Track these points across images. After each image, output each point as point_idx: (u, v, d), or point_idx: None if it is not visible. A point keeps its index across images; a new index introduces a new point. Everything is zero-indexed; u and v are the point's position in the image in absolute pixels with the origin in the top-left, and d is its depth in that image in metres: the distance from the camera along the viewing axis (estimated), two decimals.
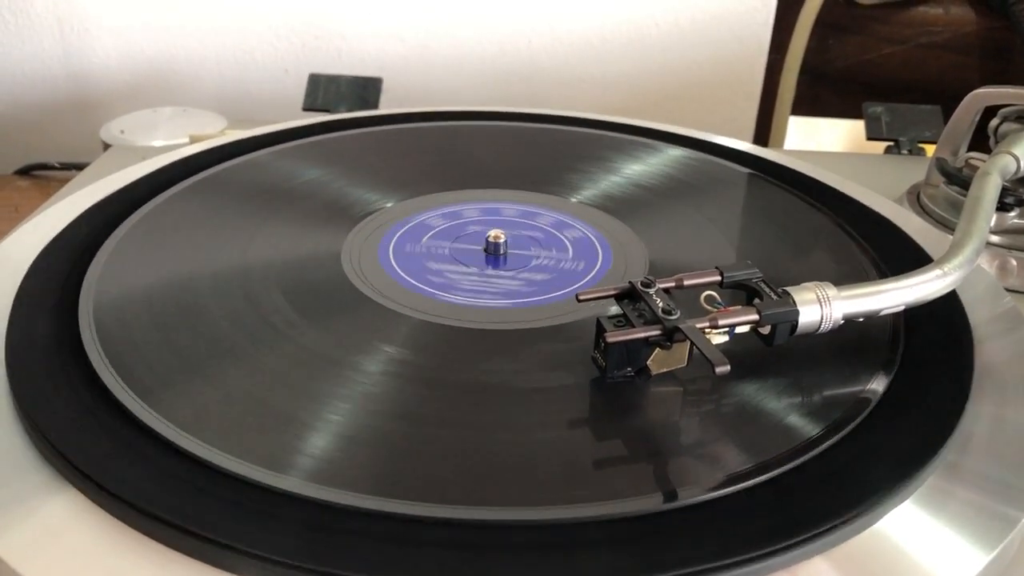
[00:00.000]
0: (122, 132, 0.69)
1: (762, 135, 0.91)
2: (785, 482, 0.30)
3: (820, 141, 0.97)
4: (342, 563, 0.26)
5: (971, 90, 0.55)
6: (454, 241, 0.45)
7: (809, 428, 0.32)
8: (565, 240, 0.45)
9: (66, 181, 0.61)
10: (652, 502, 0.29)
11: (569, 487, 0.30)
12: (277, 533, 0.27)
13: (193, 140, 0.64)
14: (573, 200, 0.50)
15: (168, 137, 0.68)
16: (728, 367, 0.30)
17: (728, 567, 0.26)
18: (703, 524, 0.28)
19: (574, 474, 0.30)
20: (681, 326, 0.32)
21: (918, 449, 0.31)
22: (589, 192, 0.51)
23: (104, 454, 0.30)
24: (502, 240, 0.43)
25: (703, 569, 0.26)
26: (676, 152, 0.56)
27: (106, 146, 0.68)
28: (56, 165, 0.84)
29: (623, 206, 0.49)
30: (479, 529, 0.28)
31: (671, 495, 0.29)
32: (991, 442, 0.33)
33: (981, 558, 0.28)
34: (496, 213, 0.48)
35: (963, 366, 0.35)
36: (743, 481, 0.29)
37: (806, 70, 0.87)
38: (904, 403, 0.34)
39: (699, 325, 0.32)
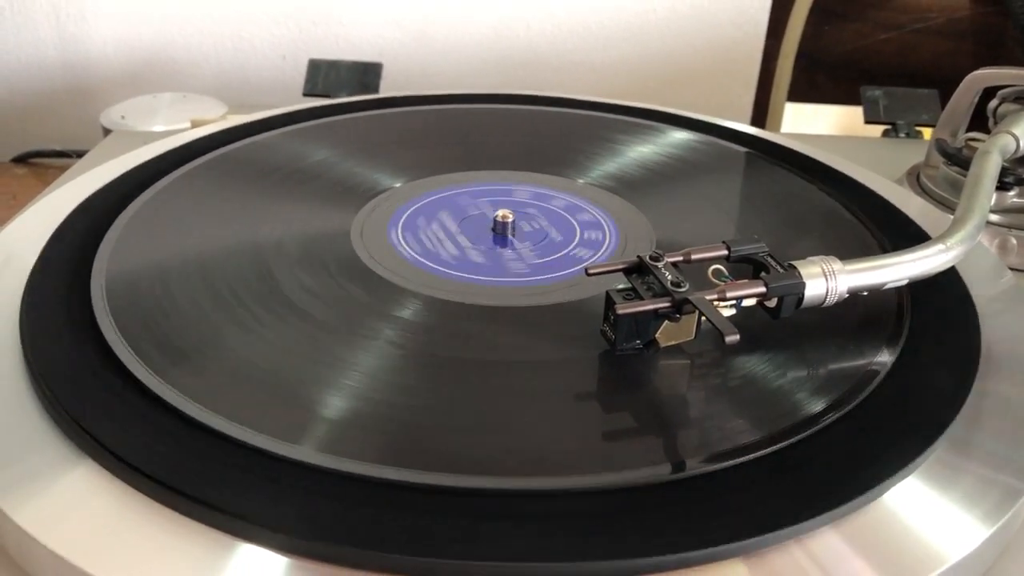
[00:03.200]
0: (123, 117, 0.69)
1: (759, 121, 0.92)
2: (794, 455, 0.30)
3: (815, 127, 0.97)
4: (354, 532, 0.26)
5: (965, 75, 0.55)
6: (462, 221, 0.45)
7: (816, 402, 0.32)
8: (572, 219, 0.46)
9: (63, 168, 0.61)
10: (661, 473, 0.29)
11: (579, 459, 0.30)
12: (292, 503, 0.27)
13: (195, 125, 0.64)
14: (580, 181, 0.50)
15: (169, 122, 0.68)
16: (737, 336, 0.31)
17: (736, 537, 0.27)
18: (713, 496, 0.28)
19: (584, 446, 0.31)
20: (690, 297, 0.32)
21: (925, 424, 0.31)
22: (596, 173, 0.51)
23: (121, 427, 0.30)
24: (510, 220, 0.44)
25: (710, 540, 0.26)
26: (681, 134, 0.56)
27: (106, 132, 0.68)
28: (55, 150, 0.83)
29: (630, 187, 0.49)
30: (488, 498, 0.28)
31: (680, 467, 0.30)
32: (996, 418, 0.33)
33: (984, 531, 0.28)
34: (503, 194, 0.48)
35: (969, 342, 0.36)
36: (750, 454, 0.30)
37: (802, 56, 0.87)
38: (911, 378, 0.34)
39: (708, 297, 0.33)
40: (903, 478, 0.30)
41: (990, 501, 0.29)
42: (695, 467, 0.29)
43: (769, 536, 0.27)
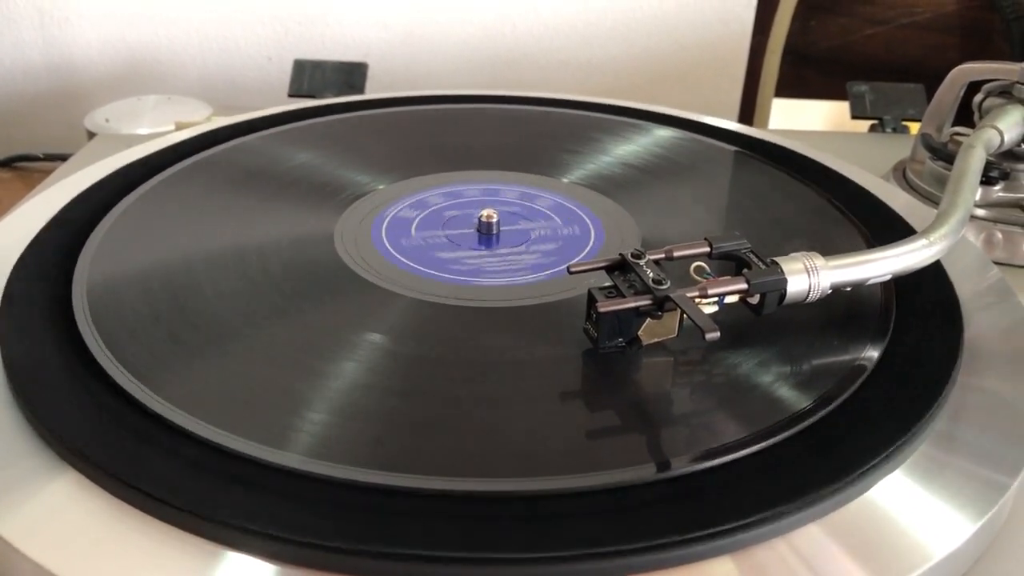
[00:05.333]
0: (107, 120, 0.68)
1: (746, 117, 0.92)
2: (778, 451, 0.30)
3: (803, 123, 0.98)
4: (339, 537, 0.26)
5: (952, 70, 0.55)
6: (446, 221, 0.45)
7: (801, 398, 0.32)
8: (557, 219, 0.46)
9: (48, 172, 0.60)
10: (646, 472, 0.29)
11: (563, 459, 0.30)
12: (279, 509, 0.27)
13: (179, 127, 0.63)
14: (564, 180, 0.50)
15: (154, 125, 0.67)
16: (718, 333, 0.31)
17: (723, 534, 0.27)
18: (699, 493, 0.28)
19: (568, 446, 0.31)
20: (671, 295, 0.32)
21: (909, 419, 0.31)
22: (580, 172, 0.51)
23: (103, 435, 0.30)
24: (494, 220, 0.44)
25: (697, 536, 0.26)
26: (666, 132, 0.56)
27: (91, 135, 0.67)
28: (40, 156, 0.83)
29: (616, 186, 0.49)
30: (474, 501, 0.28)
31: (665, 465, 0.29)
32: (980, 412, 0.33)
33: (970, 526, 0.28)
34: (488, 194, 0.48)
35: (953, 337, 0.36)
36: (736, 451, 0.30)
37: (789, 52, 0.87)
38: (895, 373, 0.34)
39: (689, 294, 0.32)
40: (888, 473, 0.30)
41: (975, 496, 0.29)
42: (680, 465, 0.29)
43: (755, 532, 0.27)
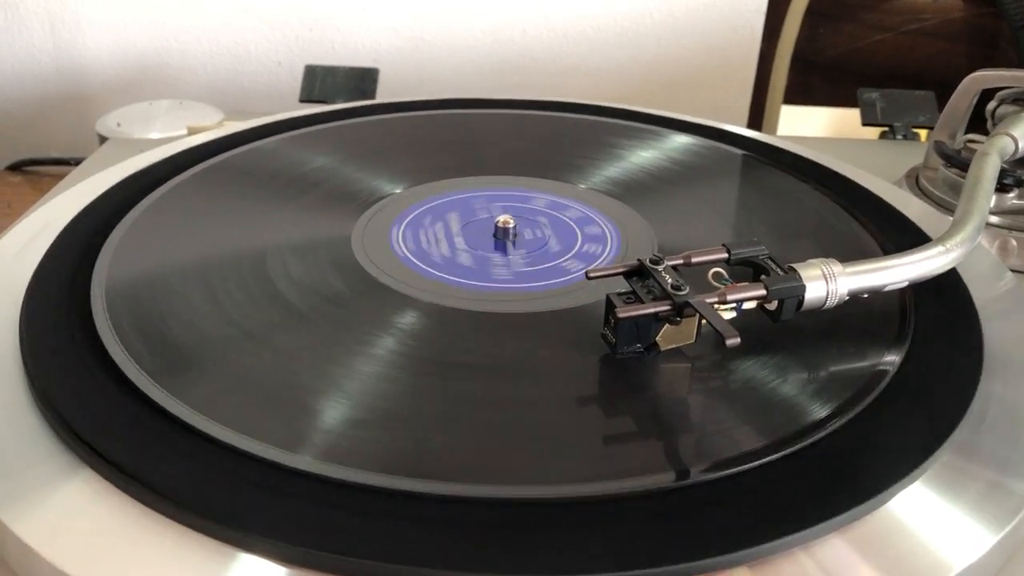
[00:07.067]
0: (118, 125, 0.68)
1: (755, 123, 0.92)
2: (798, 460, 0.30)
3: (808, 129, 0.98)
4: (357, 542, 0.26)
5: (960, 76, 0.55)
6: (463, 226, 0.45)
7: (820, 407, 0.32)
8: (573, 225, 0.46)
9: (58, 176, 0.60)
10: (663, 480, 0.29)
11: (580, 466, 0.30)
12: (292, 512, 0.27)
13: (191, 132, 0.63)
14: (581, 186, 0.50)
15: (165, 129, 0.67)
16: (738, 340, 0.30)
17: (742, 544, 0.26)
18: (718, 503, 0.28)
19: (585, 453, 0.31)
20: (691, 300, 0.32)
21: (930, 429, 0.31)
22: (596, 178, 0.51)
23: (120, 437, 0.30)
24: (511, 225, 0.44)
25: (716, 547, 0.26)
26: (681, 138, 0.56)
27: (102, 139, 0.67)
28: (53, 157, 0.83)
29: (629, 191, 0.49)
30: (487, 508, 0.28)
31: (683, 473, 0.29)
32: (1001, 421, 0.33)
33: (991, 537, 0.28)
34: (504, 199, 0.48)
35: (972, 345, 0.36)
36: (755, 460, 0.29)
37: (797, 59, 0.88)
38: (914, 382, 0.34)
39: (708, 300, 0.32)
40: (909, 483, 0.29)
41: (997, 506, 0.29)
42: (698, 474, 0.29)
43: (775, 543, 0.27)
